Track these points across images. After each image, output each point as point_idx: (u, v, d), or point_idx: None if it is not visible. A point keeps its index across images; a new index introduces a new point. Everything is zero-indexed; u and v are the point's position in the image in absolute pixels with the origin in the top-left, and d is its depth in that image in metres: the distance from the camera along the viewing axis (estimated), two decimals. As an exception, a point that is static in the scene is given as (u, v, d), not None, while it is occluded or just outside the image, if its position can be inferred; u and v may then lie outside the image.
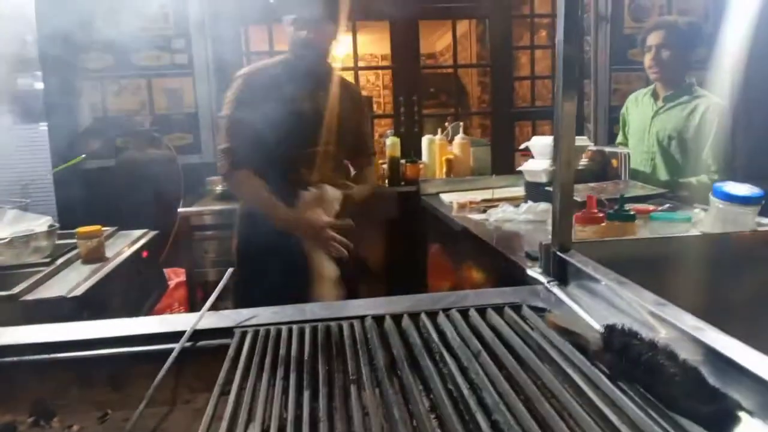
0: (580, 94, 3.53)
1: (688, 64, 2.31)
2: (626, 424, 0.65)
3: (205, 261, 2.57)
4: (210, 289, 1.55)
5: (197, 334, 1.01)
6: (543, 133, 4.24)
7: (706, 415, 0.64)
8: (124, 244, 1.96)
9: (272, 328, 1.01)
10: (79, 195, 2.66)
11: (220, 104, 1.87)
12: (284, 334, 0.99)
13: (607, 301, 1.00)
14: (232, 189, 1.81)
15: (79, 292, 1.47)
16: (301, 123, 1.66)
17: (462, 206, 2.20)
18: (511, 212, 1.96)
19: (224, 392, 0.82)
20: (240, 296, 1.69)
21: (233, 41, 3.29)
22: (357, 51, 3.99)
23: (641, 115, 2.44)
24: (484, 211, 2.10)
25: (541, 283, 1.17)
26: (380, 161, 3.12)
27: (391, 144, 3.04)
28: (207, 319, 1.05)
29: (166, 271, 2.29)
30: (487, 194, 2.42)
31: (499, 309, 1.04)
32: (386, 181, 3.09)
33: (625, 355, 0.73)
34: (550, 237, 1.22)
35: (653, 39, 2.28)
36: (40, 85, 3.03)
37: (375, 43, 6.79)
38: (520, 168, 2.34)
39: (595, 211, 1.43)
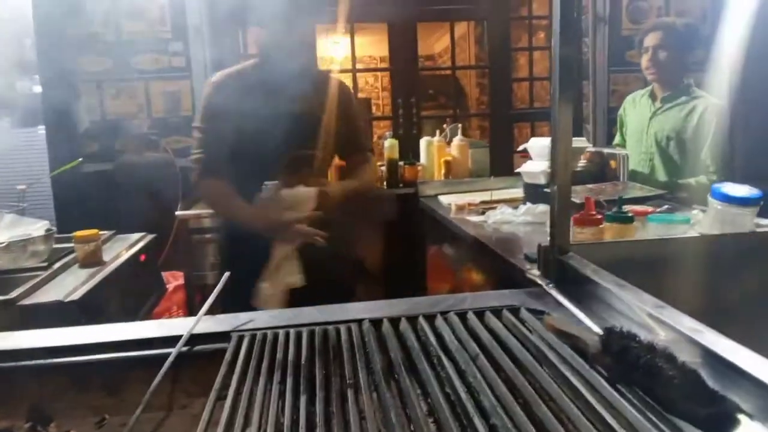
0: (578, 96, 3.53)
1: (686, 65, 2.31)
2: (625, 427, 0.65)
3: (204, 264, 2.56)
4: (208, 292, 1.54)
5: (194, 339, 1.00)
6: (542, 135, 4.24)
7: (705, 418, 0.63)
8: (122, 248, 1.95)
9: (269, 332, 1.01)
10: (76, 198, 2.66)
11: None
12: (281, 338, 0.99)
13: (606, 303, 1.00)
14: (202, 198, 1.75)
15: (76, 296, 1.47)
16: (276, 127, 1.59)
17: (460, 208, 2.20)
18: (509, 214, 1.96)
19: (221, 397, 0.82)
20: (223, 299, 1.69)
21: (231, 44, 3.29)
22: (355, 53, 3.99)
23: (639, 116, 2.44)
24: (483, 213, 2.10)
25: (540, 286, 1.17)
26: (379, 163, 3.12)
27: (390, 146, 3.04)
28: (204, 323, 1.05)
29: (165, 274, 2.28)
30: (485, 196, 2.42)
31: (497, 312, 1.04)
32: (384, 183, 3.09)
33: (623, 358, 0.73)
34: (548, 239, 1.22)
35: (650, 40, 2.29)
36: (37, 89, 3.03)
37: (373, 45, 6.81)
38: (518, 170, 2.34)
39: (593, 212, 1.42)
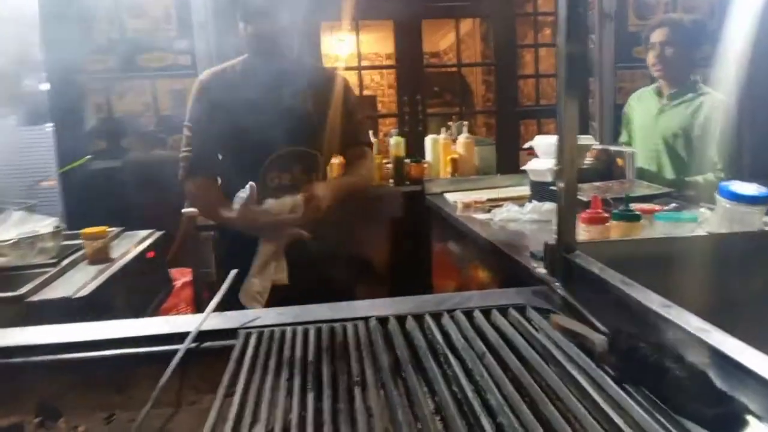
0: (584, 93, 3.52)
1: (693, 61, 2.30)
2: (632, 427, 0.65)
3: (211, 261, 2.57)
4: (216, 289, 1.54)
5: (202, 335, 1.01)
6: (548, 132, 4.22)
7: (712, 418, 0.63)
8: (130, 245, 1.96)
9: (276, 330, 1.01)
10: (84, 196, 2.67)
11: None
12: (288, 335, 0.99)
13: (613, 302, 0.99)
14: (187, 197, 1.72)
15: (84, 292, 1.48)
16: (264, 124, 1.56)
17: (467, 206, 2.19)
18: (515, 212, 1.95)
19: (229, 393, 0.82)
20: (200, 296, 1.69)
21: (236, 41, 3.29)
22: (360, 50, 3.99)
23: (645, 113, 2.42)
24: (489, 211, 2.10)
25: (546, 284, 1.17)
26: (384, 161, 3.12)
27: (396, 144, 3.04)
28: (211, 320, 1.06)
29: (172, 271, 2.29)
30: (491, 194, 2.41)
31: (503, 310, 1.04)
32: (390, 181, 3.09)
33: (630, 357, 0.73)
34: (554, 237, 1.22)
35: (657, 36, 2.27)
36: (45, 87, 3.04)
37: (379, 42, 6.80)
38: (524, 167, 2.33)
39: (600, 211, 1.42)
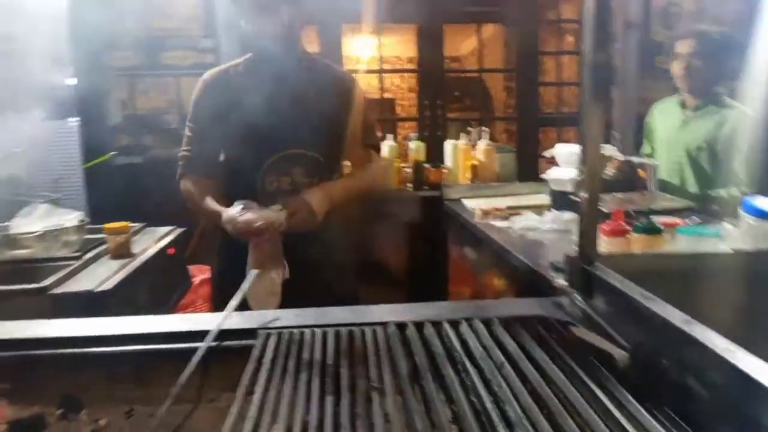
0: (607, 101, 3.49)
1: (719, 74, 2.27)
2: (652, 444, 0.65)
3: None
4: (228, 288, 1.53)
5: (221, 334, 1.02)
6: (568, 140, 4.20)
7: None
8: (151, 241, 1.99)
9: (296, 331, 1.02)
10: (107, 190, 2.71)
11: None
12: (308, 337, 1.00)
13: (634, 317, 0.99)
14: (183, 196, 1.66)
15: (106, 287, 1.50)
16: (264, 126, 1.52)
17: (485, 213, 2.19)
18: (535, 221, 1.95)
19: (249, 393, 0.83)
20: (215, 293, 1.67)
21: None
22: (382, 54, 4.00)
23: (668, 124, 2.40)
24: (508, 219, 2.09)
25: (566, 296, 1.16)
26: (404, 165, 3.12)
27: (416, 148, 3.04)
28: (231, 319, 1.07)
29: (191, 268, 2.32)
30: (511, 201, 2.41)
31: (522, 320, 1.04)
32: (409, 185, 3.09)
33: (652, 374, 0.73)
34: (575, 248, 1.21)
35: (683, 47, 2.25)
36: (70, 81, 3.09)
37: (400, 46, 6.81)
38: (544, 176, 2.32)
39: (622, 223, 1.41)
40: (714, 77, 2.26)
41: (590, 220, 1.19)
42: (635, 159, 2.35)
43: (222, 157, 1.65)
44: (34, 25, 2.87)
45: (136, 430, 0.92)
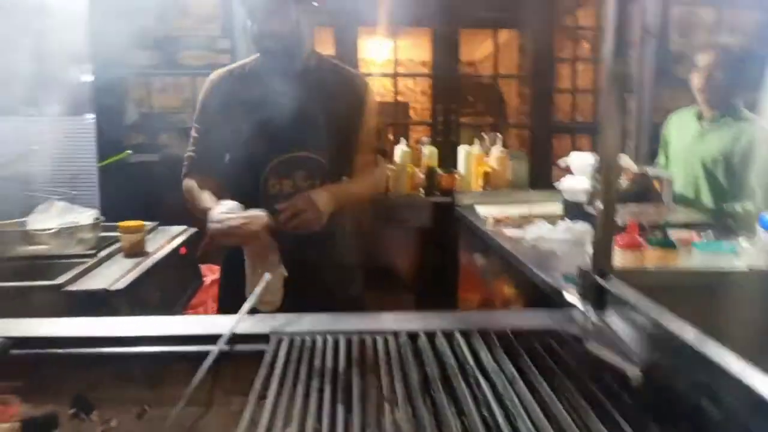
0: (625, 111, 3.46)
1: (739, 87, 2.25)
2: (666, 466, 0.64)
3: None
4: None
5: (234, 337, 1.03)
6: (581, 148, 4.18)
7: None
8: (164, 240, 2.00)
9: (307, 337, 1.03)
10: (121, 188, 2.73)
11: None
12: (319, 344, 1.00)
13: (648, 333, 0.98)
14: (184, 196, 1.63)
15: (120, 285, 1.51)
16: (268, 127, 1.50)
17: (498, 221, 2.18)
18: (548, 230, 1.94)
19: (261, 397, 0.84)
20: (220, 294, 1.67)
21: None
22: (397, 58, 4.01)
23: (684, 136, 2.38)
24: (520, 227, 2.08)
25: (578, 309, 1.16)
26: (417, 169, 3.12)
27: (429, 154, 3.04)
28: (243, 323, 1.07)
29: (202, 267, 2.33)
30: (523, 209, 2.40)
31: (535, 333, 1.03)
32: (421, 190, 3.09)
33: (666, 394, 0.72)
34: (588, 260, 1.20)
35: (703, 60, 2.23)
36: (87, 78, 3.12)
37: (414, 49, 6.80)
38: (557, 184, 2.31)
39: (636, 236, 1.40)
40: (733, 90, 2.24)
41: (605, 232, 1.19)
42: (650, 170, 2.33)
43: (226, 159, 1.63)
44: (55, 22, 2.90)
45: (148, 432, 0.93)
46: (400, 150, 3.08)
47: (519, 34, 5.58)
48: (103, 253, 1.73)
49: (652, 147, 3.39)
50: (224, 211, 1.40)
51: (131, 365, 1.03)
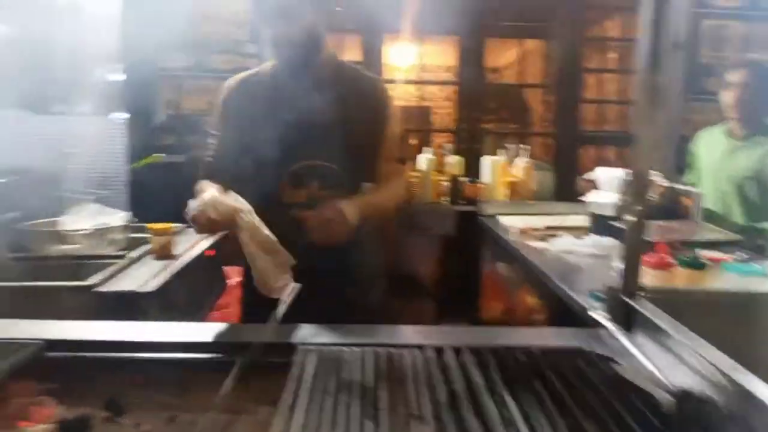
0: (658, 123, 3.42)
1: (771, 105, 2.22)
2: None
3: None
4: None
5: (261, 347, 1.04)
6: (607, 159, 4.14)
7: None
8: (191, 242, 2.03)
9: (335, 349, 1.04)
10: (149, 189, 2.77)
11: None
12: (346, 356, 1.01)
13: (678, 357, 0.97)
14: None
15: (150, 287, 1.53)
16: (282, 136, 1.45)
17: (523, 232, 2.18)
18: (573, 244, 1.93)
19: (290, 409, 0.85)
20: (245, 297, 1.65)
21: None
22: (422, 63, 4.01)
23: (713, 153, 2.35)
24: (545, 239, 2.07)
25: (606, 329, 1.15)
26: (440, 178, 3.11)
27: (455, 163, 3.04)
28: (271, 332, 1.09)
29: (226, 269, 2.36)
30: (548, 221, 2.38)
31: (563, 352, 1.03)
32: (445, 198, 3.09)
33: (699, 424, 0.72)
34: (615, 276, 1.19)
35: (735, 77, 2.20)
36: (118, 77, 3.17)
37: (439, 55, 6.80)
38: (584, 198, 2.29)
39: (665, 256, 1.39)
40: (765, 107, 2.21)
41: (635, 250, 1.18)
42: (680, 186, 2.30)
43: (241, 166, 1.55)
44: (88, 22, 2.95)
45: (178, 438, 0.94)
46: (424, 158, 3.09)
47: (545, 43, 5.55)
48: (132, 255, 1.77)
49: (679, 160, 3.34)
50: (196, 203, 1.34)
51: (161, 371, 1.05)
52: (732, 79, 2.21)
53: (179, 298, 1.71)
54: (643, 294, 1.16)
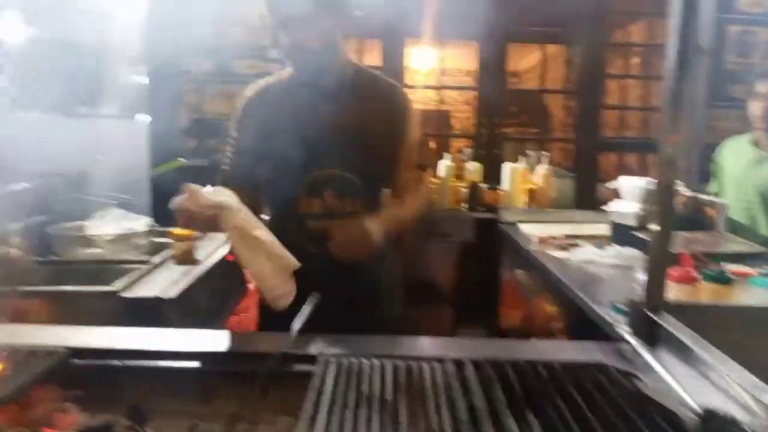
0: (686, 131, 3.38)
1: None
2: None
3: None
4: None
5: (281, 357, 1.05)
6: (628, 165, 4.09)
7: None
8: (213, 247, 2.05)
9: (354, 360, 1.04)
10: (171, 192, 2.80)
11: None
12: (366, 368, 1.01)
13: (703, 375, 0.96)
14: None
15: (173, 294, 1.55)
16: (299, 144, 1.42)
17: (543, 241, 2.16)
18: (595, 254, 1.91)
19: (311, 421, 0.85)
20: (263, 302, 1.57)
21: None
22: (442, 66, 4.00)
23: (739, 162, 2.31)
24: (566, 249, 2.06)
25: (628, 343, 1.14)
26: (462, 185, 3.10)
27: (474, 170, 3.03)
28: (291, 342, 1.09)
29: (246, 272, 2.37)
30: (568, 229, 2.36)
31: (584, 367, 1.02)
32: (464, 205, 3.08)
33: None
34: (637, 288, 1.18)
35: (764, 87, 2.16)
36: (141, 80, 3.21)
37: (460, 58, 6.78)
38: (606, 207, 2.27)
39: (690, 270, 1.37)
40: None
41: (660, 264, 1.16)
42: (703, 196, 2.27)
43: (258, 174, 1.55)
44: (114, 26, 2.99)
45: (200, 447, 0.95)
46: (443, 164, 3.08)
47: (566, 48, 5.51)
48: (155, 260, 1.79)
49: (703, 169, 3.29)
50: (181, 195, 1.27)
51: (183, 379, 1.06)
52: (761, 89, 2.17)
53: (201, 303, 1.73)
54: (667, 309, 1.15)
